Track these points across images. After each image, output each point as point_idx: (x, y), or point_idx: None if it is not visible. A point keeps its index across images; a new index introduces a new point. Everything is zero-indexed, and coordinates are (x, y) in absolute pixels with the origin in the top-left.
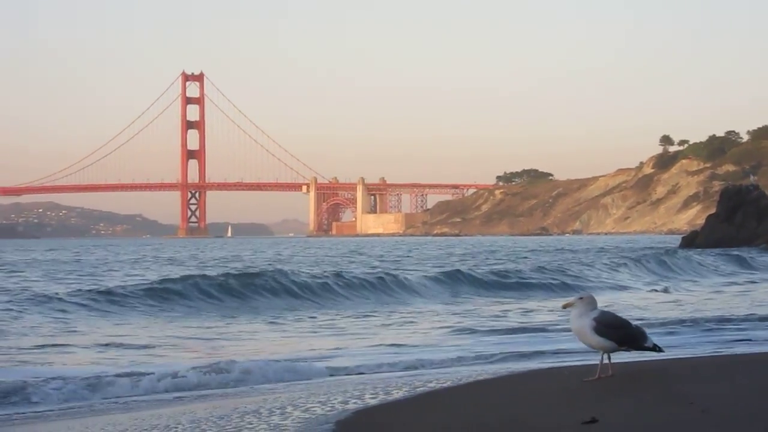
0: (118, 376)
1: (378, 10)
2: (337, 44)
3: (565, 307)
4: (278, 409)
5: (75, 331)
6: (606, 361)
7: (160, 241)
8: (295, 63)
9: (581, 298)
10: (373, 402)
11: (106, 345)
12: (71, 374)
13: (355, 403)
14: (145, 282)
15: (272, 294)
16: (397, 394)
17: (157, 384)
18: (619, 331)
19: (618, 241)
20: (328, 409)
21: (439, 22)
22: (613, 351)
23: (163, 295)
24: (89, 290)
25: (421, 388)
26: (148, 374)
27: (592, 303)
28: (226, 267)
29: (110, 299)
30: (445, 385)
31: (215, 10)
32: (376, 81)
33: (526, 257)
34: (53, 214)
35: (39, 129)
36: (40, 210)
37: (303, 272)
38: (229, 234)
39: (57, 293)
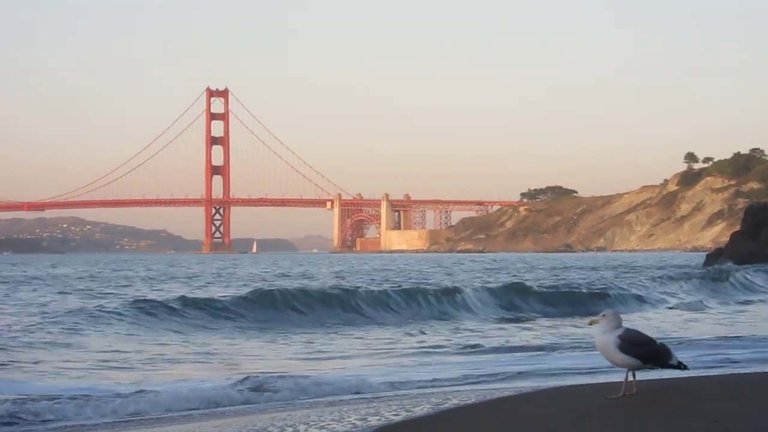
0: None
1: (399, 28)
2: (360, 61)
3: (591, 323)
4: None
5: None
6: (630, 378)
7: (194, 257)
8: (320, 79)
9: (604, 315)
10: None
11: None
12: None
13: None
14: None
15: (383, 308)
16: (421, 411)
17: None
18: (643, 349)
19: (647, 257)
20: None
21: (459, 38)
22: (638, 368)
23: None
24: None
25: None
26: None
27: (617, 320)
28: (298, 281)
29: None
30: (468, 402)
31: (240, 26)
32: (400, 97)
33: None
34: (77, 229)
35: (64, 144)
36: (65, 225)
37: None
38: (254, 250)
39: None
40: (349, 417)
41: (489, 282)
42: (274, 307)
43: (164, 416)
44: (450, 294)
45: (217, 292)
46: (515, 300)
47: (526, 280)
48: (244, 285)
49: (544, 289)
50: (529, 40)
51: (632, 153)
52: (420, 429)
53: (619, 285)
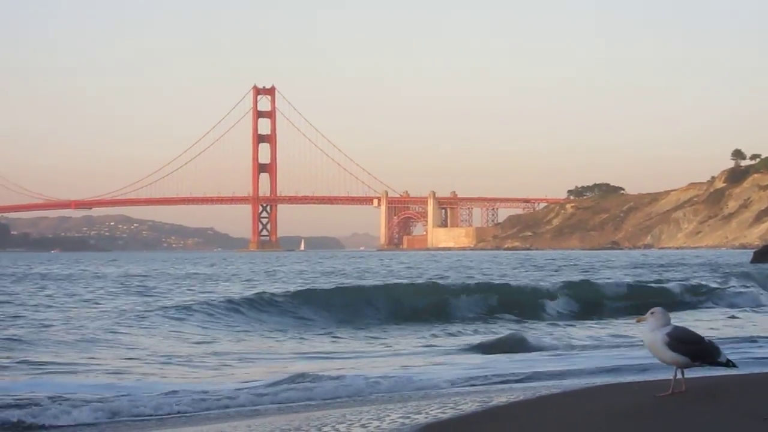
0: None
1: (444, 23)
2: (408, 57)
3: (639, 321)
4: None
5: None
6: (679, 376)
7: (248, 254)
8: (367, 76)
9: (653, 313)
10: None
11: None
12: None
13: None
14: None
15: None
16: (469, 408)
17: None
18: (692, 346)
19: (697, 255)
20: None
21: (503, 33)
22: (687, 366)
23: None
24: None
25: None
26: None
27: (665, 317)
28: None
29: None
30: (518, 399)
31: (287, 25)
32: (447, 93)
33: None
34: (125, 227)
35: (111, 142)
36: (112, 223)
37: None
38: (302, 247)
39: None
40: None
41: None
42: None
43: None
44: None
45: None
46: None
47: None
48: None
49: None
50: (571, 38)
51: (679, 150)
52: (468, 427)
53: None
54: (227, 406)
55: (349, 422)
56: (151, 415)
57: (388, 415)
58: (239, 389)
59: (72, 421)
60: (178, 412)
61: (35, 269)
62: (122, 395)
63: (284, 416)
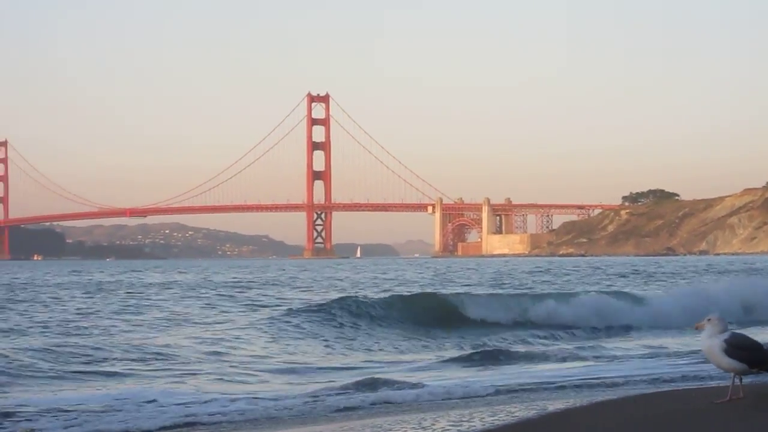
0: None
1: (495, 33)
2: (460, 64)
3: (697, 328)
4: None
5: None
6: (737, 382)
7: (306, 261)
8: (419, 83)
9: (710, 319)
10: None
11: None
12: None
13: None
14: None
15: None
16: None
17: None
18: (750, 353)
19: (755, 261)
20: None
21: (558, 40)
22: (745, 373)
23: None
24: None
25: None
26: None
27: (722, 324)
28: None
29: None
30: (564, 406)
31: (340, 32)
32: (502, 100)
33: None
34: (179, 235)
35: (166, 150)
36: (167, 231)
37: None
38: (359, 255)
39: None
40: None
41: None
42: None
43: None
44: None
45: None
46: None
47: None
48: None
49: None
50: (628, 44)
51: (734, 156)
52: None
53: None
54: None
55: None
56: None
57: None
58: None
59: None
60: None
61: (136, 277)
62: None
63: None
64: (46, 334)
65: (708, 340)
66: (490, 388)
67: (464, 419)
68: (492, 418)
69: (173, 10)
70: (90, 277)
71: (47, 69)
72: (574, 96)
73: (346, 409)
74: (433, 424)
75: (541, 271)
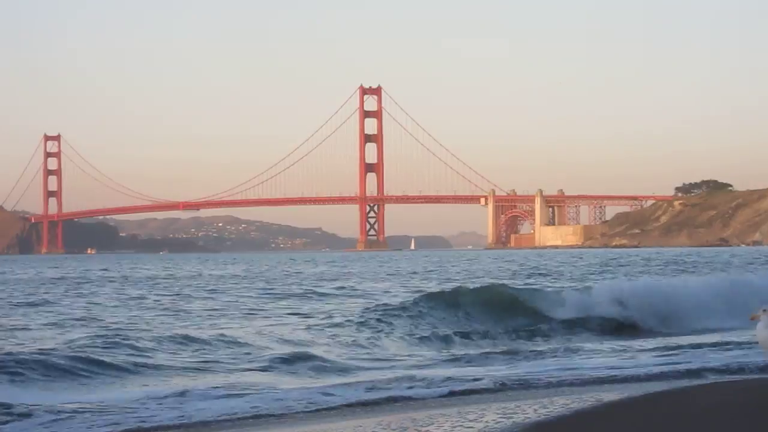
0: None
1: (549, 24)
2: (510, 55)
3: (753, 318)
4: None
5: None
6: None
7: (390, 254)
8: (471, 75)
9: (765, 310)
10: None
11: None
12: None
13: None
14: None
15: None
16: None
17: None
18: None
19: None
20: None
21: (607, 31)
22: None
23: None
24: None
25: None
26: None
27: None
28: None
29: None
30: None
31: (392, 24)
32: (554, 91)
33: None
34: (233, 228)
35: (218, 143)
36: (220, 224)
37: None
38: (413, 247)
39: None
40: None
41: None
42: None
43: None
44: None
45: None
46: None
47: None
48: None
49: None
50: (680, 36)
51: None
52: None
53: None
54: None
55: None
56: None
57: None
58: None
59: None
60: None
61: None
62: None
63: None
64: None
65: (765, 331)
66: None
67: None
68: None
69: (224, 2)
70: (213, 272)
71: (101, 64)
72: (626, 89)
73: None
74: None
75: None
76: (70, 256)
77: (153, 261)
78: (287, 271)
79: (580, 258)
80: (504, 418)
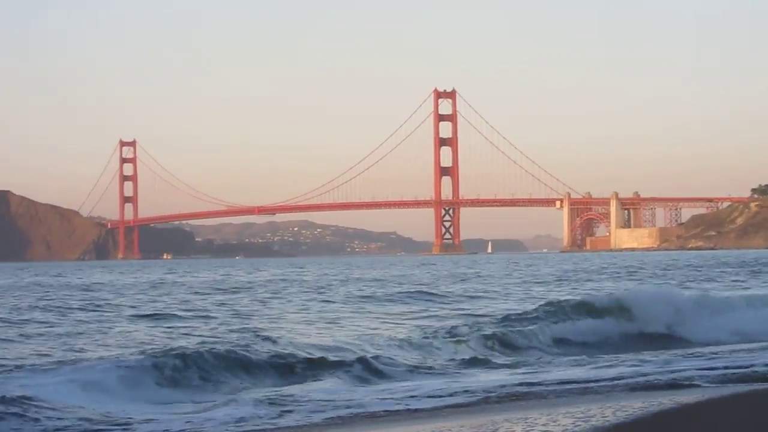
0: None
1: (621, 26)
2: (585, 57)
3: None
4: None
5: None
6: None
7: (476, 258)
8: (546, 78)
9: None
10: None
11: None
12: None
13: None
14: None
15: None
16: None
17: None
18: None
19: None
20: None
21: (687, 31)
22: None
23: None
24: None
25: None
26: None
27: None
28: None
29: None
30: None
31: (467, 27)
32: (626, 94)
33: None
34: (308, 232)
35: (293, 148)
36: (295, 228)
37: None
38: (489, 250)
39: None
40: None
41: None
42: None
43: None
44: None
45: None
46: None
47: None
48: None
49: None
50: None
51: None
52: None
53: None
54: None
55: None
56: None
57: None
58: None
59: None
60: None
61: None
62: None
63: None
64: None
65: None
66: None
67: None
68: None
69: (298, 7)
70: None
71: (178, 70)
72: (702, 91)
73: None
74: None
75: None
76: (151, 262)
77: (281, 265)
78: (462, 274)
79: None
80: None
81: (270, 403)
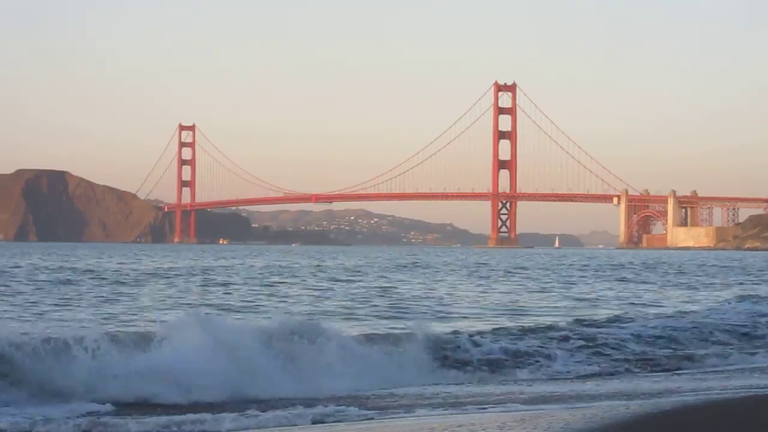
0: None
1: (660, 18)
2: (648, 53)
3: None
4: None
5: None
6: None
7: (532, 252)
8: (607, 74)
9: None
10: None
11: None
12: None
13: None
14: None
15: None
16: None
17: None
18: None
19: None
20: None
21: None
22: None
23: None
24: None
25: None
26: None
27: None
28: None
29: None
30: None
31: (528, 20)
32: (685, 92)
33: None
34: (364, 221)
35: (352, 137)
36: (352, 217)
37: None
38: (557, 245)
39: None
40: None
41: None
42: None
43: None
44: None
45: None
46: None
47: None
48: None
49: None
50: None
51: None
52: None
53: None
54: None
55: None
56: None
57: None
58: None
59: None
60: None
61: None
62: None
63: None
64: None
65: None
66: None
67: None
68: None
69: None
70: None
71: (239, 60)
72: (759, 90)
73: None
74: None
75: None
76: (207, 247)
77: (348, 253)
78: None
79: None
80: None
81: None
